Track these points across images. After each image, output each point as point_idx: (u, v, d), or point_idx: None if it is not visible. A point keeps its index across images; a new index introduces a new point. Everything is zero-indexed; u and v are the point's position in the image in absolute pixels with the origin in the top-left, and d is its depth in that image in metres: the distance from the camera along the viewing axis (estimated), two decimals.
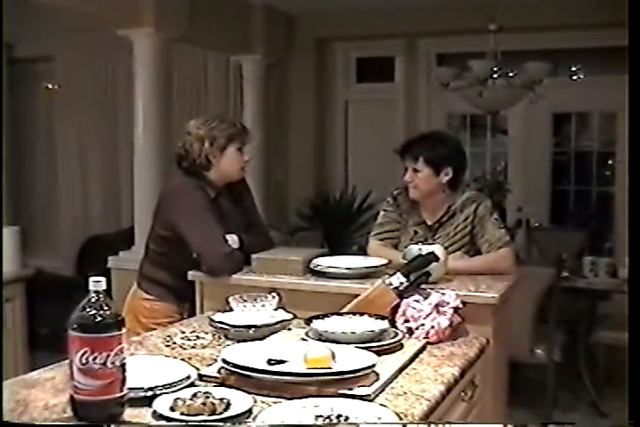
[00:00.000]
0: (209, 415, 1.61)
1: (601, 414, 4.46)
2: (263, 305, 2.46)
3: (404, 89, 7.13)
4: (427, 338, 2.31)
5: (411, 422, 1.69)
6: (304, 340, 2.17)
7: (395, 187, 3.28)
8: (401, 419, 1.62)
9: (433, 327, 2.32)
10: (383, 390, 1.85)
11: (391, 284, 2.44)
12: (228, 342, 2.28)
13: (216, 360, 2.00)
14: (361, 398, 1.75)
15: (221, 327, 2.36)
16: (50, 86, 7.57)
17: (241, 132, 3.09)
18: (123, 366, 1.58)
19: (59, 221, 7.53)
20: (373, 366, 1.87)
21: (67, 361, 1.61)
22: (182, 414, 1.61)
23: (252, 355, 1.92)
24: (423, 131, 3.90)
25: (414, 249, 2.69)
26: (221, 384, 1.84)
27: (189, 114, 5.91)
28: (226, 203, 3.12)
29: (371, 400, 1.76)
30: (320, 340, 2.14)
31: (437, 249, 2.67)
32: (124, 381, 1.59)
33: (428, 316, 2.34)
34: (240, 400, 1.68)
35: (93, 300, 1.56)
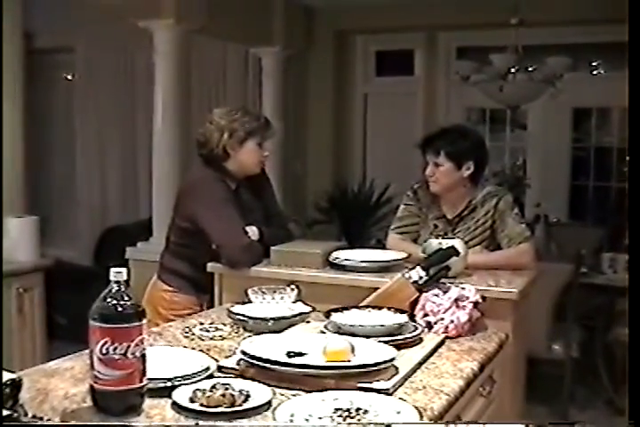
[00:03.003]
0: (228, 407, 1.61)
1: (618, 411, 4.44)
2: (282, 297, 2.46)
3: (424, 83, 7.10)
4: (446, 332, 2.30)
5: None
6: (323, 333, 2.16)
7: (414, 180, 3.27)
8: (420, 413, 1.61)
9: (452, 322, 2.31)
10: (402, 384, 1.85)
11: (411, 278, 2.44)
12: (247, 334, 2.28)
13: (235, 352, 2.00)
14: (380, 391, 1.74)
15: (240, 319, 2.35)
16: (69, 77, 7.59)
17: (263, 126, 3.06)
18: (143, 356, 1.59)
19: (77, 211, 7.54)
20: (393, 359, 1.87)
21: (85, 351, 1.62)
22: (202, 405, 1.61)
23: (271, 347, 1.92)
24: (443, 125, 3.87)
25: (434, 243, 2.69)
26: (240, 376, 1.83)
27: (208, 106, 5.91)
28: (246, 195, 3.12)
29: (390, 394, 1.75)
30: (339, 333, 2.13)
31: (457, 243, 2.66)
32: (143, 371, 1.60)
33: (447, 310, 2.33)
34: (259, 392, 1.68)
35: (114, 290, 1.56)
